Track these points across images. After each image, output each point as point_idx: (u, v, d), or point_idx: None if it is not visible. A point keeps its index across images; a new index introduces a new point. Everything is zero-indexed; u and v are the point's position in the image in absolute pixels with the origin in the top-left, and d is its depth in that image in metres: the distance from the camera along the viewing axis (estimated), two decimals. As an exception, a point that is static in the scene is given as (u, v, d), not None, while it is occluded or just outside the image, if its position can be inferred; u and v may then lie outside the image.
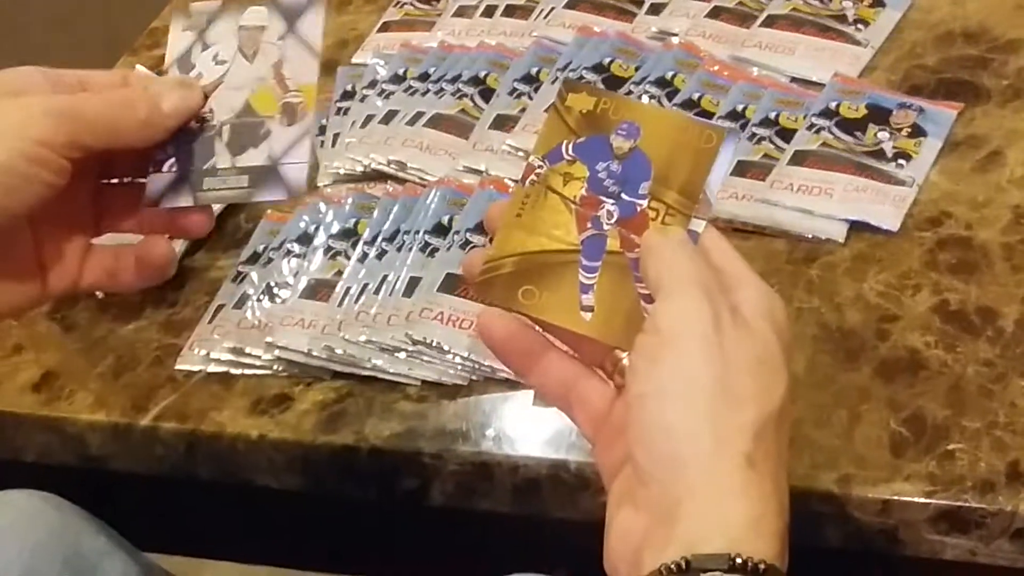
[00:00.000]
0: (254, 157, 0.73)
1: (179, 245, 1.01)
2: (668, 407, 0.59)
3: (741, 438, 0.58)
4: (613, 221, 0.66)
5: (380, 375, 0.89)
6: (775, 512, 0.58)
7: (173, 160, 0.73)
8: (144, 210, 0.73)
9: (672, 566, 0.55)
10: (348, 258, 0.97)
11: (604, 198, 0.66)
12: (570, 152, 0.67)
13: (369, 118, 1.10)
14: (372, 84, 1.14)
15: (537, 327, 0.67)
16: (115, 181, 0.75)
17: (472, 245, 0.93)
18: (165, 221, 0.74)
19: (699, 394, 0.59)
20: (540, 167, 0.67)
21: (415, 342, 0.88)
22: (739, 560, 0.54)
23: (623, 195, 0.66)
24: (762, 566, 0.55)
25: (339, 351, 0.89)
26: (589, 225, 0.66)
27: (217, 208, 1.03)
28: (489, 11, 1.22)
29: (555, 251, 0.66)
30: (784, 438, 0.61)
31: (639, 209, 0.66)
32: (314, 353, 0.90)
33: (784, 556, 0.58)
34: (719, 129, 0.67)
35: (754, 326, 0.61)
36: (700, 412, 0.59)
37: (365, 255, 0.96)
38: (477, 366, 0.87)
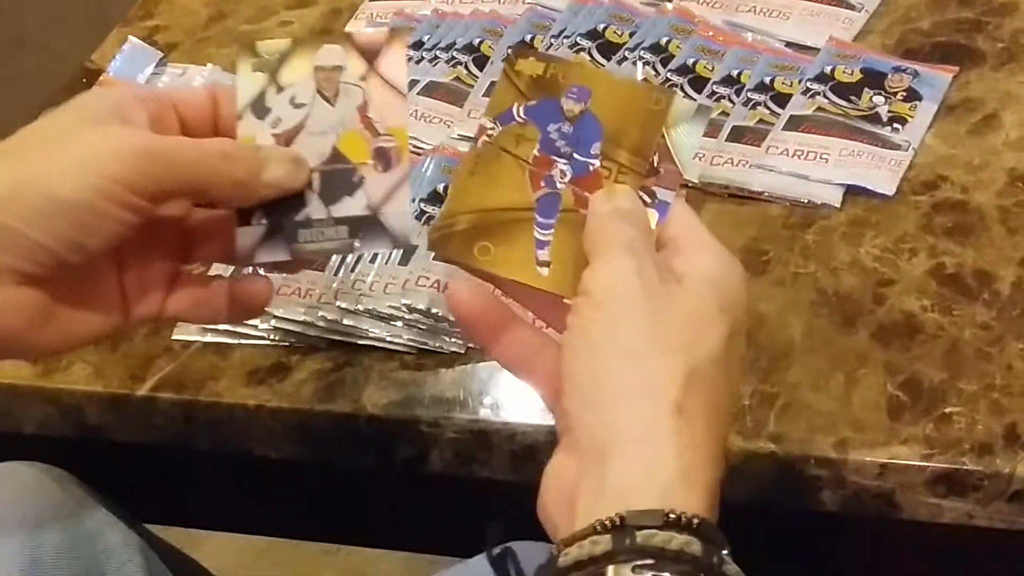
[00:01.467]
0: (351, 207, 0.70)
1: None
2: (597, 355, 0.60)
3: (671, 385, 0.58)
4: (567, 180, 0.67)
5: (377, 343, 0.89)
6: (705, 462, 0.58)
7: (260, 212, 0.70)
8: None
9: (607, 522, 0.55)
10: (344, 227, 0.96)
11: (556, 158, 0.67)
12: (521, 115, 0.68)
13: (363, 87, 1.10)
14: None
15: (491, 285, 0.68)
16: (267, 260, 0.72)
17: (427, 216, 0.93)
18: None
19: (626, 344, 0.60)
20: (491, 128, 0.68)
21: (411, 310, 0.88)
22: (672, 516, 0.54)
23: (575, 155, 0.67)
24: (696, 521, 0.55)
25: (336, 320, 0.89)
26: (543, 184, 0.67)
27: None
28: (483, -22, 1.21)
29: (510, 208, 0.67)
30: (721, 392, 0.61)
31: (592, 168, 0.67)
32: (311, 322, 0.90)
33: (714, 509, 0.57)
34: (668, 92, 0.68)
35: (686, 284, 0.62)
36: (627, 359, 0.60)
37: (361, 224, 0.96)
38: (474, 334, 0.87)
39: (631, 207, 0.65)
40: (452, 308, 0.67)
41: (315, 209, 0.71)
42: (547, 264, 0.66)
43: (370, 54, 0.72)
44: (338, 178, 0.71)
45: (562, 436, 0.62)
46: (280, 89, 0.72)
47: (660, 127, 0.68)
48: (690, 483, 0.57)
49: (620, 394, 0.59)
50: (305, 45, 0.73)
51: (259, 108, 0.72)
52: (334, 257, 0.93)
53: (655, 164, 0.68)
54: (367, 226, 0.71)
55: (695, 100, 0.69)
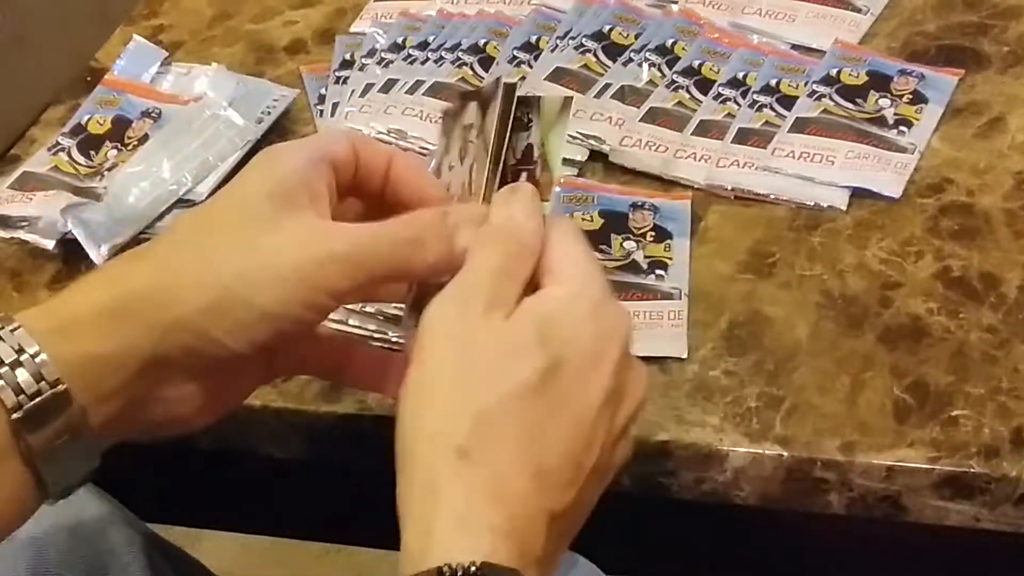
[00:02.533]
0: None
1: (179, 216, 1.00)
2: (406, 406, 0.60)
3: (456, 428, 0.57)
4: None
5: (383, 344, 0.89)
6: (494, 501, 0.56)
7: None
8: None
9: None
10: (349, 227, 0.96)
11: None
12: None
13: (368, 87, 1.10)
14: (371, 53, 1.14)
15: None
16: None
17: (474, 214, 0.93)
18: None
19: (431, 389, 0.59)
20: None
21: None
22: (447, 571, 0.54)
23: None
24: (472, 568, 0.54)
25: (342, 320, 0.89)
26: None
27: (219, 175, 1.02)
28: (488, -21, 1.21)
29: None
30: (537, 425, 0.59)
31: None
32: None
33: (509, 544, 0.56)
34: (566, 98, 0.69)
35: (511, 320, 0.60)
36: (426, 407, 0.59)
37: (366, 224, 0.96)
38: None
39: (512, 222, 0.64)
40: None
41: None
42: None
43: (484, 108, 0.69)
44: None
45: None
46: (447, 151, 0.73)
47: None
48: (467, 528, 0.56)
49: (413, 446, 0.58)
50: (466, 105, 0.71)
51: (440, 172, 0.72)
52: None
53: (535, 175, 0.67)
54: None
55: (565, 93, 0.67)
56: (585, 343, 0.60)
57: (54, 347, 0.61)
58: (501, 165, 0.67)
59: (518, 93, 0.68)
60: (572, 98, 0.72)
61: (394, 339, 0.87)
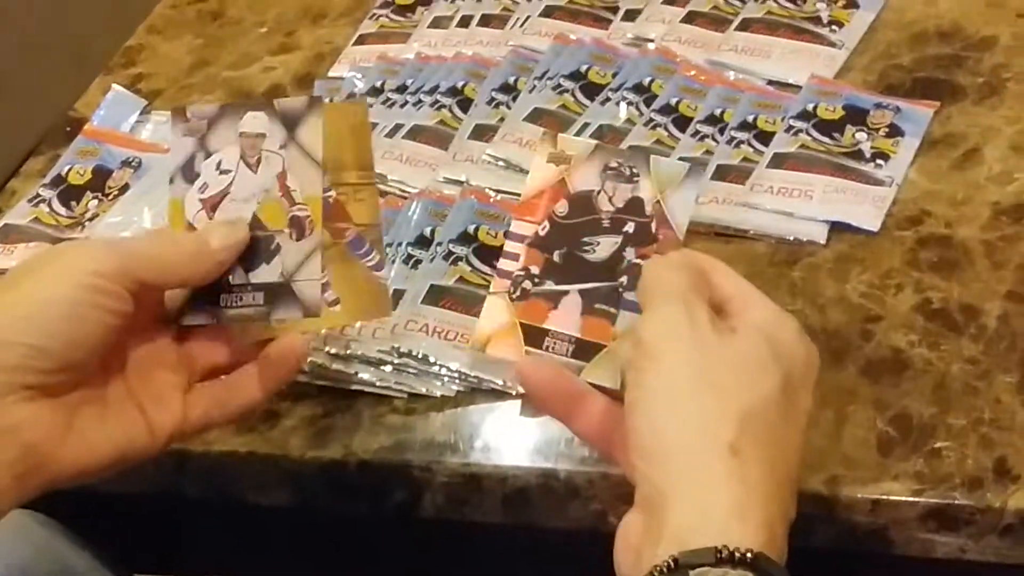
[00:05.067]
0: (267, 274, 0.73)
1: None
2: (652, 406, 0.61)
3: (724, 427, 0.59)
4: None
5: (367, 388, 0.89)
6: (763, 499, 0.59)
7: None
8: (235, 346, 0.75)
9: (663, 566, 0.56)
10: (331, 272, 0.96)
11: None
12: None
13: (348, 131, 1.10)
14: (350, 97, 1.14)
15: None
16: (193, 323, 0.75)
17: (455, 256, 0.93)
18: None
19: (680, 390, 0.61)
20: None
21: (401, 354, 0.88)
22: (724, 552, 0.55)
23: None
24: (749, 555, 0.55)
25: (325, 365, 0.89)
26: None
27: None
28: (465, 21, 1.22)
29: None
30: (781, 436, 0.61)
31: (331, 200, 0.74)
32: (300, 368, 0.90)
33: (775, 544, 0.58)
34: (359, 102, 0.74)
35: (740, 332, 0.63)
36: (682, 406, 0.61)
37: (348, 269, 0.96)
38: (463, 377, 0.87)
39: (681, 258, 0.67)
40: (523, 385, 0.69)
41: (236, 275, 0.74)
42: (337, 302, 0.73)
43: (290, 121, 0.75)
44: (257, 245, 0.74)
45: (636, 493, 0.62)
46: (208, 154, 0.75)
47: (369, 135, 0.75)
48: (745, 519, 0.57)
49: (675, 440, 0.60)
50: (232, 110, 0.76)
51: (188, 173, 0.75)
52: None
53: (653, 231, 0.69)
54: (280, 293, 0.73)
55: (686, 161, 0.71)
56: (802, 361, 0.64)
57: None
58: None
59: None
60: (702, 167, 0.75)
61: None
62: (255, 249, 0.74)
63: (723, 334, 0.63)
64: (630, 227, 0.72)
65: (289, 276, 0.73)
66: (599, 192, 0.73)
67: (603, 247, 0.72)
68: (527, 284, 0.72)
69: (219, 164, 0.75)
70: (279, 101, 0.75)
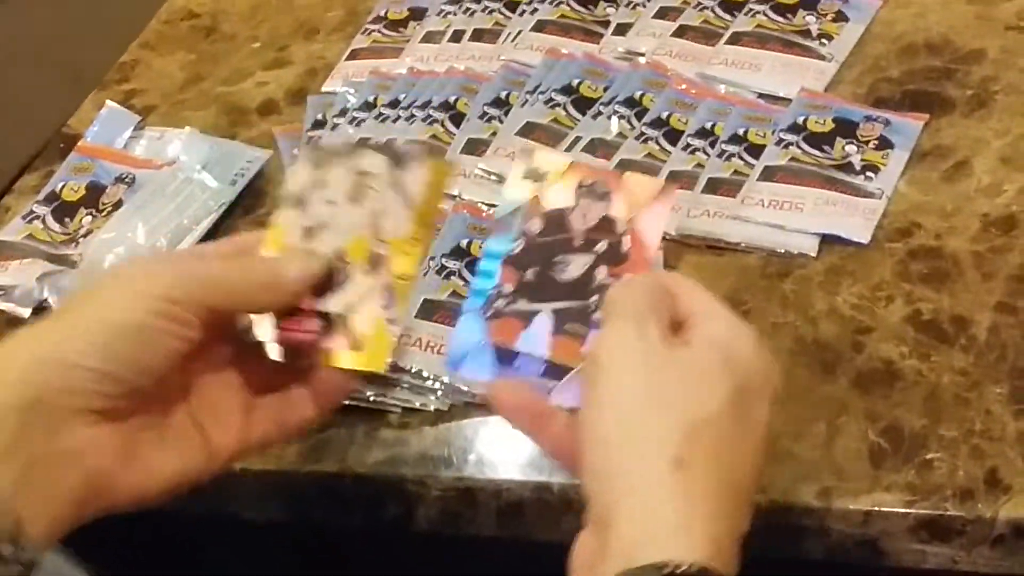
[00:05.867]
0: (333, 303, 0.74)
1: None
2: (600, 422, 0.62)
3: (670, 441, 0.60)
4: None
5: (361, 403, 0.89)
6: (710, 513, 0.59)
7: None
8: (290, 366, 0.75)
9: None
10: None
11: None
12: None
13: (341, 146, 1.10)
14: (343, 112, 1.15)
15: None
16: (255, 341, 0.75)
17: (448, 270, 0.93)
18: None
19: (627, 406, 0.61)
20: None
21: (396, 369, 0.88)
22: (667, 569, 0.55)
23: None
24: (695, 569, 0.55)
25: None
26: None
27: (194, 238, 1.03)
28: (457, 36, 1.22)
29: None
30: (733, 447, 0.61)
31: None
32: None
33: (723, 557, 0.58)
34: (453, 163, 0.77)
35: (693, 345, 0.63)
36: (627, 421, 0.61)
37: (342, 283, 0.96)
38: (457, 391, 0.88)
39: (644, 278, 0.68)
40: (493, 405, 0.69)
41: (305, 301, 0.74)
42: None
43: (402, 165, 0.75)
44: (333, 275, 0.74)
45: (588, 511, 0.63)
46: (323, 186, 0.76)
47: (442, 197, 0.76)
48: (690, 533, 0.57)
49: (621, 456, 0.60)
50: (355, 149, 0.77)
51: (300, 201, 0.76)
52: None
53: (624, 251, 0.71)
54: (336, 323, 0.74)
55: (665, 177, 0.72)
56: (757, 372, 0.64)
57: None
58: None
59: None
60: (673, 185, 0.75)
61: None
62: (330, 279, 0.74)
63: (674, 348, 0.63)
64: (602, 246, 0.72)
65: (350, 309, 0.74)
66: (573, 210, 0.73)
67: (575, 266, 0.72)
68: (500, 303, 0.72)
69: (328, 197, 0.76)
70: (398, 145, 0.76)
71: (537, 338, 0.71)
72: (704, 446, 0.60)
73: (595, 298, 0.70)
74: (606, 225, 0.72)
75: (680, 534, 0.57)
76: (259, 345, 0.74)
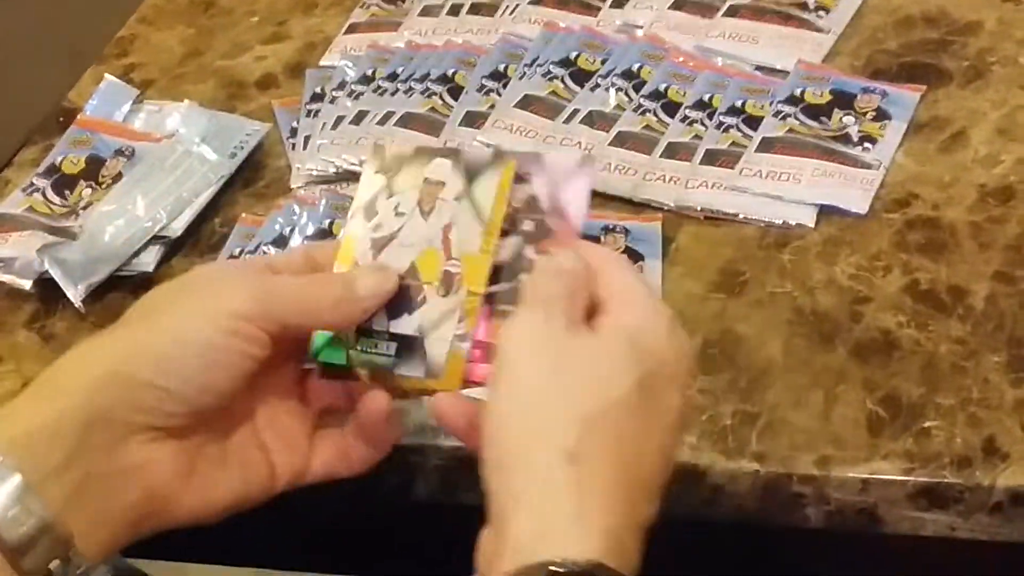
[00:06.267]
0: (406, 325, 0.72)
1: (155, 252, 1.01)
2: (498, 415, 0.61)
3: (562, 434, 0.59)
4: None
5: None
6: (607, 506, 0.58)
7: None
8: (359, 390, 0.73)
9: None
10: (324, 259, 0.97)
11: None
12: None
13: (339, 119, 1.11)
14: (341, 85, 1.15)
15: None
16: (325, 361, 0.74)
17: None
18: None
19: (524, 398, 0.61)
20: None
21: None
22: (557, 567, 0.55)
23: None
24: (588, 565, 0.55)
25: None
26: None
27: (194, 211, 1.03)
28: (455, 9, 1.22)
29: None
30: (633, 438, 0.60)
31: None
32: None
33: (622, 550, 0.57)
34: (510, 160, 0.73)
35: (601, 333, 0.63)
36: (524, 414, 0.60)
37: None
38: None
39: (566, 258, 0.66)
40: (435, 418, 0.68)
41: (378, 320, 0.72)
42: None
43: (471, 173, 0.73)
44: (404, 293, 0.72)
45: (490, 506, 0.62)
46: (391, 195, 0.74)
47: (507, 200, 0.72)
48: (585, 527, 0.57)
49: (517, 450, 0.60)
50: (423, 154, 0.74)
51: (369, 210, 0.74)
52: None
53: (547, 226, 0.71)
54: (412, 347, 0.72)
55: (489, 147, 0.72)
56: (668, 359, 0.63)
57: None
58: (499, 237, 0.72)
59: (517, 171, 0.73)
60: (592, 158, 0.75)
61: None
62: (402, 297, 0.72)
63: (579, 337, 0.62)
64: (527, 225, 0.71)
65: (424, 332, 0.72)
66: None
67: (505, 250, 0.72)
68: None
69: (397, 206, 0.74)
70: (467, 152, 0.73)
71: (479, 324, 0.71)
72: (602, 438, 0.59)
73: (523, 275, 0.70)
74: (530, 205, 0.72)
75: (573, 529, 0.57)
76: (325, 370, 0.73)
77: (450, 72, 1.13)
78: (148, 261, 1.01)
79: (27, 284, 1.00)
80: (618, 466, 0.59)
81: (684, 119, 1.02)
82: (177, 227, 1.02)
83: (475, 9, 1.22)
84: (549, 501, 0.58)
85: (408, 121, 1.08)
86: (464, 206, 0.73)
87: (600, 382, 0.61)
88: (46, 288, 0.99)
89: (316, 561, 1.07)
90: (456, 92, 1.11)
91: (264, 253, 0.99)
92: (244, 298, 0.67)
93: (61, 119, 1.19)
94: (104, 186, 1.07)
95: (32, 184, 1.09)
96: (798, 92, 1.02)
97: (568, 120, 1.04)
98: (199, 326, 0.66)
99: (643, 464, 0.61)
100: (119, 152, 1.10)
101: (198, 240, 1.04)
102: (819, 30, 1.10)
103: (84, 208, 1.05)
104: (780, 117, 1.00)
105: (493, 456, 0.61)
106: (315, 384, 0.75)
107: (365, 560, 1.05)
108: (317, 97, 1.15)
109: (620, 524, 0.58)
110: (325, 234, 0.99)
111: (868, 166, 0.95)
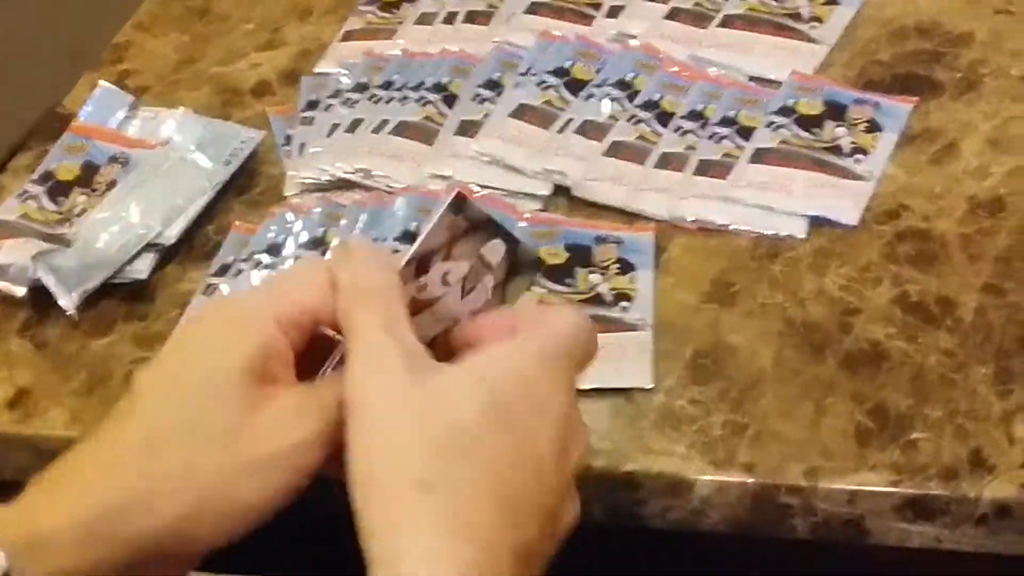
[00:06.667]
0: None
1: (149, 260, 1.01)
2: (354, 449, 0.59)
3: (412, 459, 0.57)
4: None
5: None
6: (463, 536, 0.56)
7: None
8: None
9: None
10: (317, 267, 0.97)
11: None
12: None
13: (334, 127, 1.11)
14: (336, 93, 1.15)
15: None
16: None
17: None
18: None
19: (375, 424, 0.59)
20: None
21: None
22: None
23: None
24: None
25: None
26: None
27: (188, 218, 1.04)
28: (450, 18, 1.23)
29: None
30: (499, 456, 0.58)
31: None
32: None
33: None
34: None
35: (444, 370, 0.61)
36: (376, 438, 0.58)
37: (334, 264, 0.97)
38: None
39: (371, 282, 0.64)
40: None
41: None
42: None
43: (515, 267, 0.70)
44: None
45: None
46: (448, 257, 0.68)
47: None
48: (436, 562, 0.55)
49: (370, 481, 0.58)
50: (488, 226, 0.69)
51: (422, 266, 0.68)
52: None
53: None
54: None
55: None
56: (533, 387, 0.60)
57: (29, 564, 0.60)
58: None
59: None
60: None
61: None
62: None
63: (424, 360, 0.60)
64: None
65: None
66: None
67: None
68: None
69: (446, 274, 0.68)
70: (524, 244, 0.69)
71: None
72: (452, 460, 0.57)
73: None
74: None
75: (423, 564, 0.55)
76: None
77: (445, 81, 1.13)
78: (142, 268, 1.01)
79: (21, 291, 1.00)
80: (480, 486, 0.57)
81: (677, 129, 1.03)
82: (171, 234, 1.03)
83: (470, 18, 1.22)
84: (399, 537, 0.56)
85: (403, 129, 1.08)
86: (495, 293, 0.69)
87: (444, 405, 0.58)
88: (39, 295, 0.99)
89: (316, 568, 1.07)
90: (451, 101, 1.11)
91: (258, 262, 0.99)
92: (313, 455, 0.62)
93: (55, 125, 1.19)
94: (98, 193, 1.07)
95: (26, 191, 1.09)
96: (791, 103, 1.02)
97: (562, 130, 1.05)
98: (263, 489, 0.62)
99: (512, 486, 0.58)
100: (113, 159, 1.10)
101: (192, 247, 1.04)
102: (812, 41, 1.10)
103: (78, 215, 1.05)
104: (773, 128, 1.00)
105: (353, 499, 0.58)
106: None
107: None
108: (312, 105, 1.15)
109: (483, 550, 0.56)
110: (318, 242, 0.99)
111: (860, 178, 0.96)
